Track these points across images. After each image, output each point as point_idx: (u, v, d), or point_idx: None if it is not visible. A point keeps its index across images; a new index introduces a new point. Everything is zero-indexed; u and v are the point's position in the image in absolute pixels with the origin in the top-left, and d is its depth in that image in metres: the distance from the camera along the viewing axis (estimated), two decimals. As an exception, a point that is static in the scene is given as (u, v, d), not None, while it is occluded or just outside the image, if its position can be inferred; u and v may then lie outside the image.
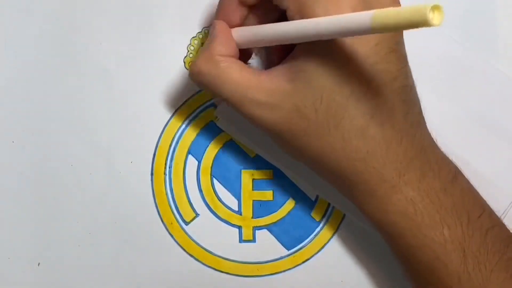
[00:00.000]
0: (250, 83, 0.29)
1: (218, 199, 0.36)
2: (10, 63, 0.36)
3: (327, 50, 0.27)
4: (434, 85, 0.36)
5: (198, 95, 0.36)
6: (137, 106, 0.36)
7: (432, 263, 0.29)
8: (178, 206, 0.36)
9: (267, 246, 0.36)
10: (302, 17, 0.27)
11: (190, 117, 0.36)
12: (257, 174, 0.36)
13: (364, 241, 0.36)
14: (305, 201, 0.36)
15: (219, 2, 0.31)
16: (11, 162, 0.36)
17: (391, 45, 0.28)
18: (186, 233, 0.36)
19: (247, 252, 0.36)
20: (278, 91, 0.28)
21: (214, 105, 0.36)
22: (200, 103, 0.36)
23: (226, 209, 0.36)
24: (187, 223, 0.36)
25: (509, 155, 0.36)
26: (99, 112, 0.36)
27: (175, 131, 0.36)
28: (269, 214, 0.36)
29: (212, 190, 0.36)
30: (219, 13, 0.31)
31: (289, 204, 0.36)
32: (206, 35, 0.36)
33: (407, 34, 0.28)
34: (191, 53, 0.36)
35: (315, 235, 0.36)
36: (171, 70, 0.36)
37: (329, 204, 0.36)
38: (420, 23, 0.21)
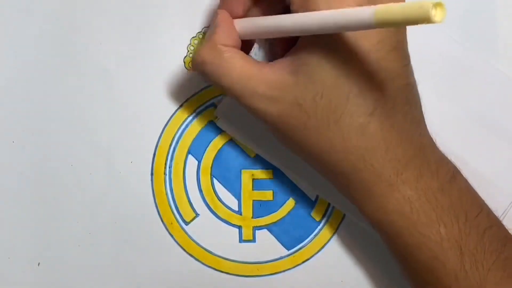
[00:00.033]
0: (252, 74, 0.29)
1: (218, 199, 0.36)
2: (10, 63, 0.36)
3: (330, 45, 0.27)
4: (434, 85, 0.36)
5: (198, 95, 0.36)
6: (137, 106, 0.36)
7: (430, 261, 0.29)
8: (178, 206, 0.36)
9: (267, 246, 0.36)
10: (305, 11, 0.27)
11: (190, 117, 0.36)
12: (257, 174, 0.36)
13: (364, 241, 0.36)
14: (305, 201, 0.36)
15: None
16: (11, 162, 0.36)
17: (394, 42, 0.28)
18: (186, 233, 0.36)
19: (247, 252, 0.36)
20: (280, 84, 0.29)
21: (214, 105, 0.36)
22: (200, 103, 0.36)
23: (226, 209, 0.36)
24: (187, 223, 0.36)
25: (509, 155, 0.36)
26: (99, 112, 0.36)
27: (175, 131, 0.36)
28: (269, 214, 0.36)
29: (212, 190, 0.36)
30: (222, 4, 0.31)
31: (289, 204, 0.36)
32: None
33: (407, 34, 0.29)
34: (191, 53, 0.36)
35: (315, 235, 0.36)
36: (171, 70, 0.36)
37: (329, 204, 0.36)
38: (422, 19, 0.21)
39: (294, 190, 0.36)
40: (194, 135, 0.36)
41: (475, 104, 0.36)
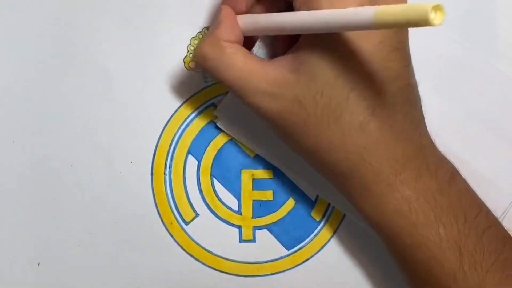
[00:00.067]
0: (253, 71, 0.29)
1: (218, 199, 0.36)
2: (10, 63, 0.36)
3: (331, 44, 0.27)
4: (434, 85, 0.36)
5: (198, 95, 0.36)
6: (137, 106, 0.36)
7: (429, 262, 0.29)
8: (178, 206, 0.36)
9: (267, 246, 0.36)
10: (307, 9, 0.27)
11: (190, 117, 0.36)
12: (257, 174, 0.36)
13: (364, 241, 0.36)
14: (305, 201, 0.36)
15: None
16: (11, 162, 0.36)
17: (395, 43, 0.28)
18: (186, 233, 0.36)
19: (247, 252, 0.36)
20: (281, 81, 0.29)
21: (214, 105, 0.36)
22: (200, 103, 0.36)
23: (226, 209, 0.36)
24: (187, 223, 0.36)
25: (509, 155, 0.36)
26: (99, 112, 0.36)
27: (175, 131, 0.36)
28: (269, 214, 0.36)
29: (212, 190, 0.36)
30: (226, 0, 0.31)
31: (289, 204, 0.36)
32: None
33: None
34: (191, 53, 0.36)
35: (315, 235, 0.36)
36: (171, 70, 0.36)
37: (329, 204, 0.36)
38: (420, 22, 0.21)
39: (294, 190, 0.36)
40: (194, 135, 0.36)
41: (475, 104, 0.36)
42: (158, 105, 0.36)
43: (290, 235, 0.36)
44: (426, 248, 0.28)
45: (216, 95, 0.36)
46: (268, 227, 0.36)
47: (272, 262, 0.36)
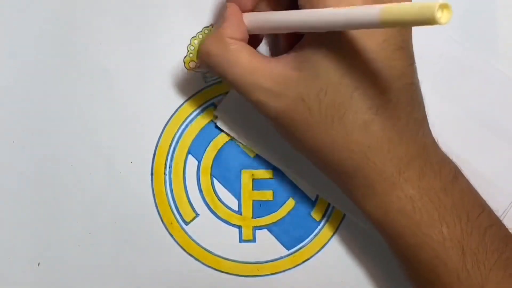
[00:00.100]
0: (258, 68, 0.29)
1: (218, 199, 0.36)
2: (10, 63, 0.36)
3: (335, 42, 0.27)
4: (434, 85, 0.36)
5: (198, 95, 0.36)
6: (137, 106, 0.36)
7: (432, 261, 0.29)
8: (178, 206, 0.36)
9: (267, 246, 0.36)
10: (312, 7, 0.27)
11: (190, 117, 0.36)
12: (257, 174, 0.36)
13: (364, 241, 0.36)
14: (305, 201, 0.36)
15: None
16: (11, 162, 0.36)
17: (399, 42, 0.28)
18: (186, 233, 0.36)
19: (247, 252, 0.36)
20: (285, 79, 0.29)
21: (214, 105, 0.36)
22: (200, 103, 0.36)
23: (226, 209, 0.36)
24: (187, 223, 0.36)
25: (509, 155, 0.36)
26: (99, 112, 0.36)
27: (175, 131, 0.36)
28: (269, 214, 0.36)
29: (212, 190, 0.36)
30: None
31: (289, 204, 0.36)
32: (206, 35, 0.36)
33: (408, 34, 0.29)
34: (191, 53, 0.36)
35: (315, 235, 0.36)
36: (171, 70, 0.36)
37: (329, 204, 0.36)
38: (427, 20, 0.21)
39: (294, 190, 0.36)
40: (194, 135, 0.36)
41: (475, 104, 0.36)
42: (158, 105, 0.36)
43: (290, 235, 0.36)
44: (429, 248, 0.28)
45: (216, 95, 0.36)
46: (268, 227, 0.36)
47: (272, 262, 0.36)
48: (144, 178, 0.36)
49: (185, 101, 0.36)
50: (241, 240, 0.36)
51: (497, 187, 0.35)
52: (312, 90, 0.28)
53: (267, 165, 0.36)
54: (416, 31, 0.28)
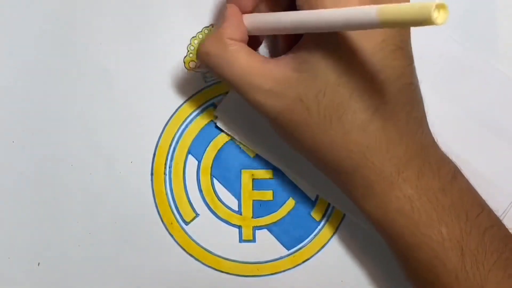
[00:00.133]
0: (256, 69, 0.29)
1: (218, 199, 0.36)
2: (10, 63, 0.36)
3: (333, 43, 0.27)
4: (434, 85, 0.36)
5: (198, 95, 0.36)
6: (137, 106, 0.36)
7: (431, 261, 0.29)
8: (178, 206, 0.36)
9: (267, 246, 0.36)
10: (310, 8, 0.27)
11: (190, 117, 0.36)
12: (257, 174, 0.36)
13: (364, 241, 0.36)
14: (305, 201, 0.36)
15: None
16: (11, 162, 0.36)
17: (397, 42, 0.28)
18: (186, 233, 0.36)
19: (247, 252, 0.36)
20: (283, 80, 0.29)
21: (214, 105, 0.36)
22: (200, 103, 0.36)
23: (226, 209, 0.36)
24: (187, 223, 0.36)
25: (509, 155, 0.36)
26: (99, 112, 0.36)
27: (175, 131, 0.36)
28: (269, 214, 0.36)
29: (212, 190, 0.36)
30: None
31: (289, 204, 0.36)
32: (206, 35, 0.36)
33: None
34: (191, 53, 0.36)
35: (315, 235, 0.36)
36: (171, 70, 0.36)
37: (329, 204, 0.36)
38: (423, 21, 0.21)
39: (294, 190, 0.36)
40: (194, 135, 0.36)
41: (475, 104, 0.36)
42: (158, 105, 0.36)
43: (290, 235, 0.36)
44: (428, 248, 0.28)
45: (216, 95, 0.36)
46: (268, 227, 0.36)
47: (272, 262, 0.36)
48: (144, 178, 0.36)
49: (185, 101, 0.36)
50: (241, 240, 0.36)
51: (497, 187, 0.35)
52: (310, 91, 0.28)
53: (267, 165, 0.36)
54: (415, 31, 0.28)
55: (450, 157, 0.30)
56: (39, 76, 0.36)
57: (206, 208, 0.36)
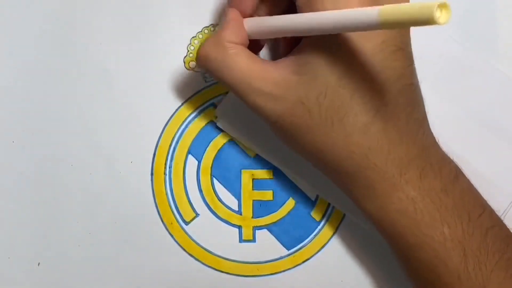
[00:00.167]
0: (256, 72, 0.29)
1: (218, 199, 0.36)
2: (10, 63, 0.36)
3: (333, 45, 0.27)
4: (434, 85, 0.36)
5: (198, 95, 0.36)
6: (137, 106, 0.36)
7: (432, 261, 0.29)
8: (178, 206, 0.36)
9: (267, 246, 0.36)
10: (310, 10, 0.27)
11: (190, 117, 0.36)
12: (257, 174, 0.36)
13: (364, 241, 0.36)
14: (305, 201, 0.36)
15: None
16: (11, 162, 0.36)
17: (398, 43, 0.28)
18: (186, 233, 0.36)
19: (247, 252, 0.36)
20: (283, 83, 0.29)
21: (214, 105, 0.36)
22: (200, 103, 0.36)
23: (226, 209, 0.36)
24: (187, 223, 0.36)
25: (509, 155, 0.36)
26: (99, 112, 0.36)
27: (175, 131, 0.36)
28: (269, 214, 0.36)
29: (212, 190, 0.36)
30: (232, 2, 0.31)
31: (289, 204, 0.36)
32: (206, 35, 0.36)
33: (407, 34, 0.29)
34: (191, 53, 0.36)
35: (315, 235, 0.36)
36: (171, 70, 0.36)
37: (329, 204, 0.36)
38: (426, 21, 0.21)
39: (294, 190, 0.36)
40: (194, 135, 0.36)
41: (475, 104, 0.36)
42: (158, 105, 0.36)
43: (290, 235, 0.36)
44: (430, 248, 0.28)
45: (216, 95, 0.36)
46: (268, 227, 0.36)
47: (272, 262, 0.36)
48: (144, 178, 0.36)
49: (185, 101, 0.36)
50: (241, 240, 0.36)
51: (497, 187, 0.35)
52: (311, 93, 0.28)
53: (267, 165, 0.36)
54: (415, 31, 0.28)
55: (451, 157, 0.30)
56: (39, 76, 0.36)
57: (206, 208, 0.36)
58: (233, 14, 0.30)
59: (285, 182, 0.36)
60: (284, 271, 0.36)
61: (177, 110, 0.36)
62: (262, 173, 0.36)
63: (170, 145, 0.36)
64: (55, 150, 0.36)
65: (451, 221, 0.28)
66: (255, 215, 0.36)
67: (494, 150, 0.36)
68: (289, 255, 0.36)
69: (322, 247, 0.36)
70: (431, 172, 0.29)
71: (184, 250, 0.36)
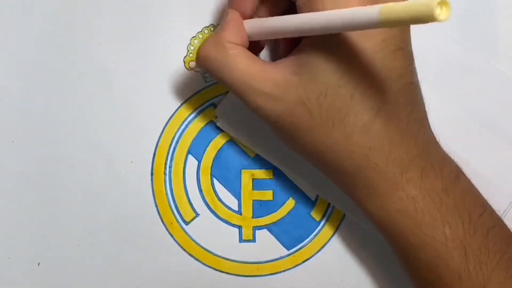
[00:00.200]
0: (256, 73, 0.29)
1: (218, 199, 0.36)
2: (10, 63, 0.36)
3: (334, 45, 0.27)
4: (434, 85, 0.36)
5: (198, 95, 0.36)
6: (137, 106, 0.36)
7: (433, 261, 0.29)
8: (178, 206, 0.36)
9: (267, 246, 0.36)
10: (310, 10, 0.27)
11: (190, 117, 0.36)
12: (257, 174, 0.36)
13: (364, 241, 0.36)
14: (305, 201, 0.36)
15: None
16: (11, 162, 0.36)
17: (398, 42, 0.28)
18: (186, 233, 0.36)
19: (247, 252, 0.36)
20: (284, 83, 0.28)
21: (214, 105, 0.36)
22: (200, 103, 0.36)
23: (226, 209, 0.36)
24: (187, 223, 0.36)
25: (509, 155, 0.36)
26: (99, 112, 0.36)
27: (175, 131, 0.36)
28: (269, 214, 0.36)
29: (212, 190, 0.36)
30: (232, 3, 0.31)
31: (289, 204, 0.36)
32: (206, 35, 0.36)
33: (407, 34, 0.29)
34: (191, 53, 0.36)
35: (315, 235, 0.36)
36: (171, 70, 0.36)
37: (329, 204, 0.36)
38: (426, 18, 0.21)
39: (294, 190, 0.36)
40: (194, 135, 0.36)
41: (475, 104, 0.36)
42: (158, 105, 0.36)
43: (290, 235, 0.36)
44: (431, 248, 0.28)
45: (216, 95, 0.36)
46: (268, 227, 0.36)
47: (272, 262, 0.36)
48: (144, 178, 0.36)
49: (185, 101, 0.36)
50: (241, 240, 0.36)
51: (497, 187, 0.35)
52: (312, 94, 0.28)
53: (267, 165, 0.36)
54: (415, 31, 0.28)
55: (452, 157, 0.30)
56: (39, 76, 0.36)
57: (206, 208, 0.36)
58: (233, 14, 0.30)
59: (285, 182, 0.36)
60: (284, 271, 0.36)
61: (177, 110, 0.36)
62: (262, 173, 0.36)
63: (170, 145, 0.36)
64: (55, 150, 0.36)
65: (452, 221, 0.28)
66: (255, 215, 0.36)
67: (494, 150, 0.36)
68: (289, 255, 0.36)
69: (322, 247, 0.36)
70: (432, 172, 0.29)
71: (184, 250, 0.36)
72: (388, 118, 0.28)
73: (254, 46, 0.31)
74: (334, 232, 0.36)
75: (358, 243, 0.36)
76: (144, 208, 0.36)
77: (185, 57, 0.36)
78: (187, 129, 0.36)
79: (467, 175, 0.30)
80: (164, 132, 0.36)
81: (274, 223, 0.36)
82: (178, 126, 0.36)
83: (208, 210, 0.36)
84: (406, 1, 0.22)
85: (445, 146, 0.30)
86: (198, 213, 0.36)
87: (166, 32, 0.36)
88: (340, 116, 0.28)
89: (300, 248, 0.36)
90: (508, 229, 0.30)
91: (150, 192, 0.36)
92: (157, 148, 0.36)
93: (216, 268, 0.36)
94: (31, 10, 0.36)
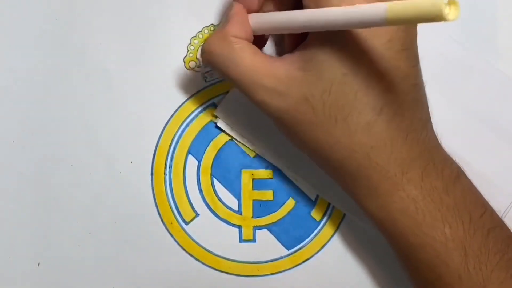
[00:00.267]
0: (261, 68, 0.29)
1: (218, 199, 0.36)
2: (10, 63, 0.36)
3: (339, 42, 0.27)
4: (434, 85, 0.36)
5: (198, 95, 0.36)
6: (137, 106, 0.36)
7: (433, 261, 0.29)
8: (178, 206, 0.36)
9: (267, 246, 0.36)
10: (317, 6, 0.27)
11: (190, 117, 0.36)
12: (257, 174, 0.36)
13: (364, 241, 0.36)
14: (305, 201, 0.36)
15: None
16: (11, 162, 0.36)
17: (404, 42, 0.27)
18: (186, 233, 0.36)
19: (247, 252, 0.36)
20: (288, 79, 0.28)
21: (214, 105, 0.36)
22: (200, 103, 0.36)
23: (226, 209, 0.36)
24: (187, 223, 0.36)
25: (509, 155, 0.36)
26: (99, 112, 0.36)
27: (175, 131, 0.36)
28: (269, 214, 0.36)
29: (212, 190, 0.36)
30: None
31: (289, 204, 0.36)
32: (206, 35, 0.36)
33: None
34: (191, 53, 0.36)
35: (315, 235, 0.36)
36: (171, 70, 0.36)
37: (329, 204, 0.36)
38: (435, 17, 0.21)
39: (294, 190, 0.36)
40: (194, 135, 0.36)
41: (475, 104, 0.36)
42: (158, 105, 0.36)
43: (290, 235, 0.36)
44: (431, 248, 0.28)
45: (216, 95, 0.36)
46: (268, 227, 0.36)
47: (272, 262, 0.36)
48: (144, 178, 0.36)
49: (185, 101, 0.36)
50: (241, 240, 0.36)
51: (497, 187, 0.35)
52: (316, 90, 0.28)
53: (267, 165, 0.36)
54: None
55: (453, 158, 0.30)
56: (39, 76, 0.36)
57: (206, 208, 0.36)
58: (237, 8, 0.30)
59: (285, 182, 0.36)
60: (284, 271, 0.36)
61: (177, 110, 0.36)
62: (262, 173, 0.36)
63: (170, 145, 0.36)
64: (55, 150, 0.36)
65: (452, 221, 0.28)
66: (255, 215, 0.36)
67: (494, 150, 0.36)
68: (289, 255, 0.36)
69: (322, 247, 0.36)
70: (433, 172, 0.29)
71: (184, 250, 0.36)
72: (391, 118, 0.28)
73: (258, 41, 0.31)
74: (334, 232, 0.36)
75: (358, 243, 0.36)
76: (144, 208, 0.36)
77: (185, 57, 0.36)
78: (187, 129, 0.36)
79: (468, 176, 0.30)
80: (164, 132, 0.36)
81: (274, 223, 0.36)
82: (178, 126, 0.36)
83: (208, 210, 0.36)
84: (414, 0, 0.22)
85: (445, 146, 0.30)
86: (198, 213, 0.36)
87: (166, 32, 0.36)
88: (343, 114, 0.28)
89: (300, 248, 0.36)
90: (509, 230, 0.30)
91: (150, 192, 0.36)
92: (157, 148, 0.36)
93: (216, 268, 0.36)
94: (31, 10, 0.36)
